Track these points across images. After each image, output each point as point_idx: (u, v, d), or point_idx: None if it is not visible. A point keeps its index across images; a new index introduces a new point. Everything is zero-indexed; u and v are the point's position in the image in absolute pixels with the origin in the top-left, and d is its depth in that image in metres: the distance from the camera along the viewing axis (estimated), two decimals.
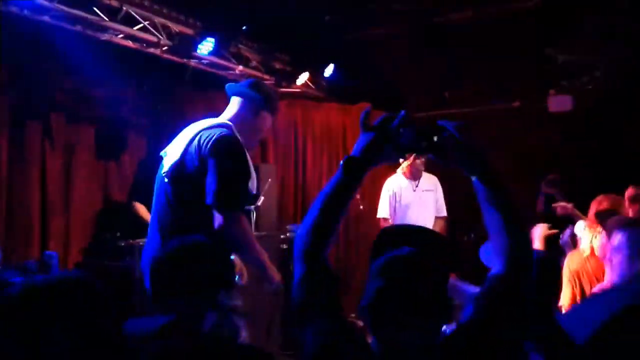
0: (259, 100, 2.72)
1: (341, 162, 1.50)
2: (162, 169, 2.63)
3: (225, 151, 2.49)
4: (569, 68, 6.46)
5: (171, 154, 2.61)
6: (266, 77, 5.73)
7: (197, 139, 2.53)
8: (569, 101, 6.78)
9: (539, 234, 3.12)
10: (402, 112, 1.51)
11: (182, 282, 1.67)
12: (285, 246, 4.92)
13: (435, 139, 1.48)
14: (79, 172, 4.73)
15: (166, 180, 2.57)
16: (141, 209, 4.43)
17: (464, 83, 6.67)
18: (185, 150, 2.53)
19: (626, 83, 6.18)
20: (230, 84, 2.82)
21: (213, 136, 2.51)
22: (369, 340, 1.36)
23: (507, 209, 1.46)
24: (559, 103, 6.84)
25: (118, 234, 4.38)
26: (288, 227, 5.31)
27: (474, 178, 1.50)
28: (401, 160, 4.98)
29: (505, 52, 5.85)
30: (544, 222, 3.20)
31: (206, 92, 5.15)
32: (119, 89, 4.90)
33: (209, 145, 2.48)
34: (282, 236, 5.04)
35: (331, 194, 1.50)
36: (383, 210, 5.25)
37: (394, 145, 1.50)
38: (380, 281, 1.32)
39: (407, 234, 1.63)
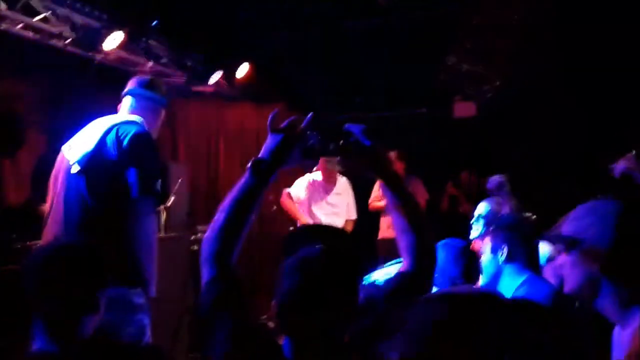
0: (159, 100, 2.71)
1: (249, 164, 1.50)
2: (67, 162, 2.53)
3: (146, 146, 2.51)
4: (473, 76, 6.82)
5: (79, 145, 2.53)
6: (178, 74, 5.61)
7: (113, 132, 2.49)
8: (473, 107, 7.17)
9: None
10: (310, 114, 1.54)
11: (52, 284, 1.59)
12: (195, 247, 4.82)
13: (341, 142, 1.52)
14: None
15: (77, 170, 2.48)
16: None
17: (373, 88, 6.86)
18: (101, 142, 2.47)
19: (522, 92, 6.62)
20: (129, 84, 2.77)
21: (132, 131, 2.49)
22: (281, 341, 1.36)
23: (409, 210, 1.53)
24: (463, 109, 7.22)
25: (14, 236, 4.12)
26: (199, 227, 5.21)
27: (381, 181, 1.56)
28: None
29: (414, 59, 6.09)
30: (447, 220, 3.35)
31: (112, 88, 4.94)
32: (16, 82, 4.62)
33: (129, 139, 2.45)
34: (192, 237, 4.95)
35: (239, 196, 1.49)
36: (294, 190, 5.26)
37: (301, 148, 1.52)
38: (295, 278, 1.31)
39: (318, 233, 1.65)
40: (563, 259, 1.46)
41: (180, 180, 4.98)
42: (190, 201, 5.66)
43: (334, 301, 1.30)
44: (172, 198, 4.80)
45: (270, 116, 1.54)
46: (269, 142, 1.52)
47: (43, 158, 4.71)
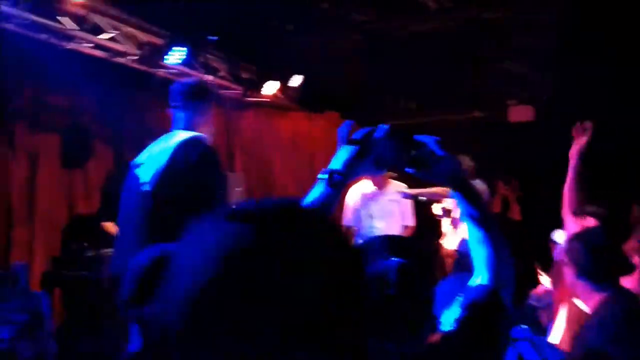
0: (208, 103, 2.82)
1: (323, 175, 1.52)
2: (136, 179, 2.64)
3: (212, 165, 2.62)
4: (528, 79, 6.68)
5: (149, 164, 2.62)
6: (234, 86, 5.76)
7: (182, 149, 2.58)
8: (530, 111, 7.00)
9: None
10: (386, 126, 1.55)
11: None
12: None
13: (413, 153, 1.52)
14: (43, 181, 4.66)
15: (147, 189, 2.58)
16: (109, 227, 4.34)
17: (426, 93, 6.82)
18: (170, 161, 2.56)
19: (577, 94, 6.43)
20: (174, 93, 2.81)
21: (198, 150, 2.59)
22: None
23: (486, 223, 1.50)
24: (519, 113, 7.06)
25: (85, 244, 4.33)
26: None
27: (453, 192, 1.56)
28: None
29: (467, 63, 6.03)
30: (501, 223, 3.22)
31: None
32: (85, 98, 4.85)
33: (195, 160, 2.56)
34: None
35: (314, 207, 1.51)
36: (348, 218, 5.32)
37: (375, 159, 1.52)
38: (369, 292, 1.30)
39: (391, 244, 1.64)
40: None
41: (237, 189, 5.11)
42: None
43: (407, 316, 1.31)
44: None
45: (343, 127, 1.53)
46: (342, 152, 1.51)
47: (112, 174, 4.91)
